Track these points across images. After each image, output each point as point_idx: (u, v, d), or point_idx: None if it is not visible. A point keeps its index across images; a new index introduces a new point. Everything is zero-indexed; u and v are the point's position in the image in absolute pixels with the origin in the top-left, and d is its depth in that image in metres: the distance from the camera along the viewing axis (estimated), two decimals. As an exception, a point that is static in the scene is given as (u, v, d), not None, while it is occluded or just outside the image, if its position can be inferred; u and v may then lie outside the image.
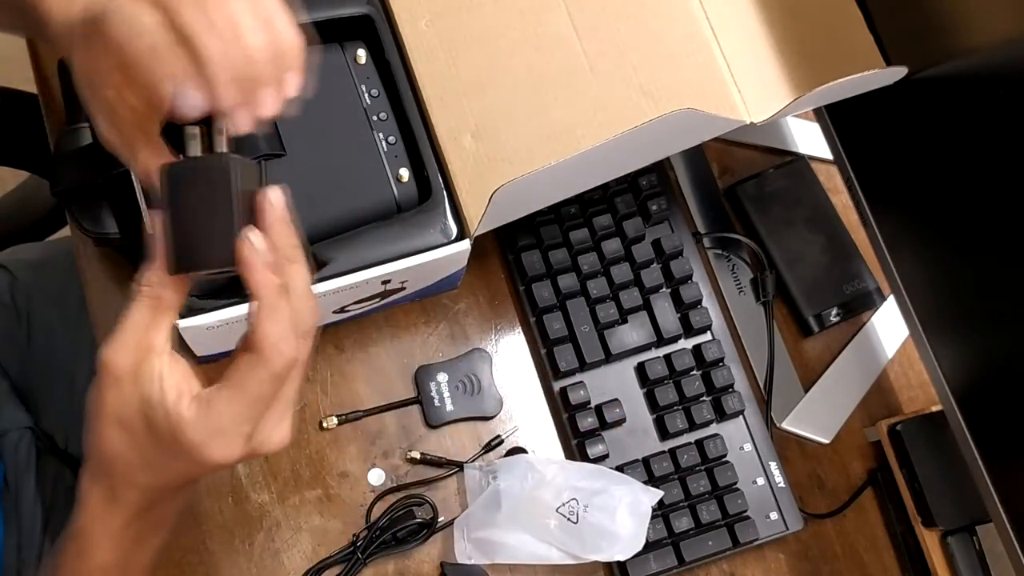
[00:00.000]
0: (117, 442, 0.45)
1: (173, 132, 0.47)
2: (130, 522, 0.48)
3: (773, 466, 0.75)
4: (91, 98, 0.46)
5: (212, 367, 0.47)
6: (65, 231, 1.06)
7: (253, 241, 0.44)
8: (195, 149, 0.45)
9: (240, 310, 0.60)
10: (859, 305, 0.82)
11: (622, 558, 0.69)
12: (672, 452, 0.74)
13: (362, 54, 0.69)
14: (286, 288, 0.44)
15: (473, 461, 0.74)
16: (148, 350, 0.44)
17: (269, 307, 0.44)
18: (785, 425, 0.79)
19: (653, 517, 0.71)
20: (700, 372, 0.76)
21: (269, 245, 0.44)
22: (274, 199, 0.45)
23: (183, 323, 0.60)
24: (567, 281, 0.76)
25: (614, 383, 0.76)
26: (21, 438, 0.86)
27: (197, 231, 0.44)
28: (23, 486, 0.84)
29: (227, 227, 0.43)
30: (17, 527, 0.83)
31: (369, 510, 0.72)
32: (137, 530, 0.49)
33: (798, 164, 0.85)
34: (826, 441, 0.79)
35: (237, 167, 0.44)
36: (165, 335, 0.45)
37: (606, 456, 0.73)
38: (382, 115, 0.68)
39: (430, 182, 0.65)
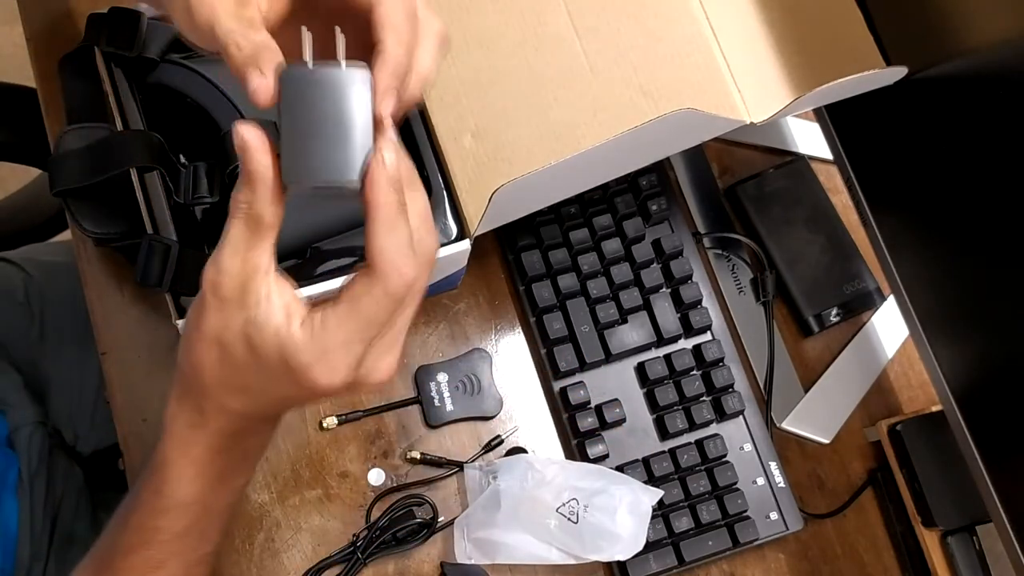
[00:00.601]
0: (215, 362, 0.43)
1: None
2: (216, 453, 0.46)
3: (773, 466, 0.75)
4: None
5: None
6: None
7: (386, 158, 0.40)
8: (308, 53, 0.41)
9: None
10: (859, 305, 0.82)
11: (622, 558, 0.69)
12: (672, 452, 0.74)
13: (362, 54, 0.68)
14: (406, 209, 0.41)
15: (473, 461, 0.74)
16: (254, 271, 0.41)
17: (389, 223, 0.41)
18: (785, 425, 0.79)
19: (653, 517, 0.71)
20: (700, 372, 0.76)
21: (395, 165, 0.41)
22: (390, 131, 0.42)
23: (182, 323, 0.60)
24: (567, 281, 0.76)
25: (614, 383, 0.76)
26: (34, 433, 0.86)
27: (320, 143, 0.40)
28: (37, 481, 0.85)
29: (355, 142, 0.40)
30: (30, 520, 0.84)
31: (369, 510, 0.72)
32: (222, 464, 0.47)
33: (798, 164, 0.85)
34: (826, 441, 0.79)
35: (369, 83, 0.41)
36: (269, 254, 0.42)
37: (606, 456, 0.73)
38: (382, 115, 0.68)
39: (430, 182, 0.65)
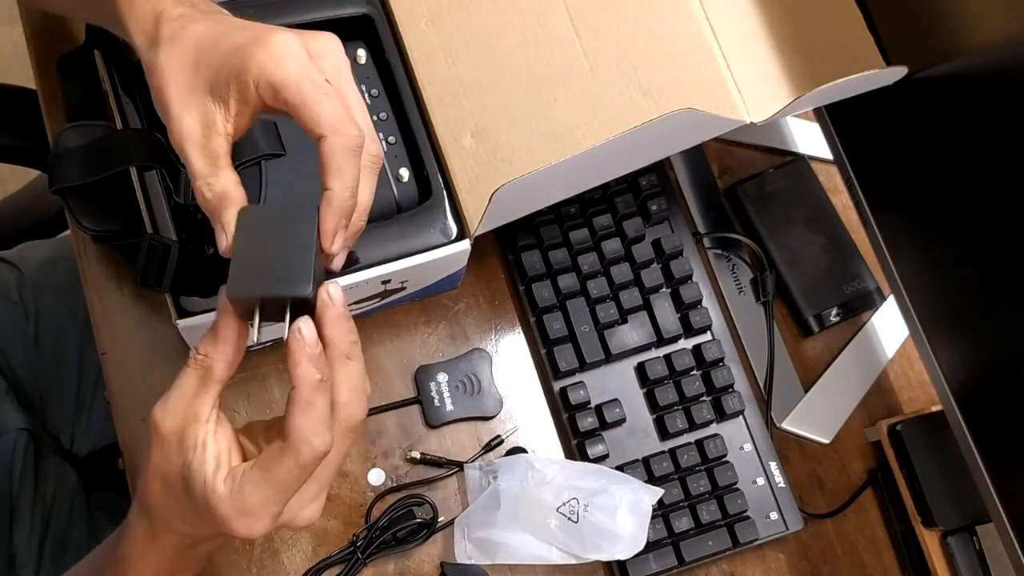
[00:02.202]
0: (159, 494, 0.48)
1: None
2: (167, 558, 0.51)
3: (773, 466, 0.75)
4: (185, 101, 0.48)
5: (259, 423, 0.49)
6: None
7: (303, 331, 0.45)
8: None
9: None
10: (859, 305, 0.82)
11: (623, 557, 0.69)
12: (672, 452, 0.74)
13: (362, 54, 0.69)
14: (327, 384, 0.45)
15: (473, 461, 0.74)
16: (194, 418, 0.46)
17: (304, 401, 0.44)
18: (785, 425, 0.79)
19: (653, 517, 0.71)
20: (700, 372, 0.76)
21: (319, 339, 0.45)
22: (334, 293, 0.46)
23: (183, 323, 0.60)
24: (567, 281, 0.76)
25: (614, 383, 0.76)
26: (17, 440, 0.85)
27: (267, 262, 0.45)
28: (23, 487, 0.84)
29: (302, 262, 0.45)
30: (10, 531, 0.83)
31: (369, 510, 0.72)
32: (173, 566, 0.52)
33: (798, 164, 0.85)
34: (826, 441, 0.79)
35: (315, 219, 0.46)
36: (211, 405, 0.47)
37: (606, 456, 0.73)
38: (382, 115, 0.68)
39: (430, 182, 0.65)
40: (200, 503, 0.46)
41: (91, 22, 0.64)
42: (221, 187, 0.47)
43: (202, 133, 0.48)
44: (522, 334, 0.78)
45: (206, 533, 0.49)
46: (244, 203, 0.47)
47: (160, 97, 0.48)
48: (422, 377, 0.75)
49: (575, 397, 0.74)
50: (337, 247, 0.47)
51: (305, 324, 0.45)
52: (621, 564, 0.71)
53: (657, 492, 0.71)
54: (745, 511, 0.73)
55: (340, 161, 0.46)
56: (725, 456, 0.75)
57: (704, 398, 0.76)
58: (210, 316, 0.60)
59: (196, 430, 0.46)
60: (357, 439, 0.50)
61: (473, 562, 0.70)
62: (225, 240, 0.47)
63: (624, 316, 0.77)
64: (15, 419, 0.86)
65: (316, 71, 0.47)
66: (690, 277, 0.78)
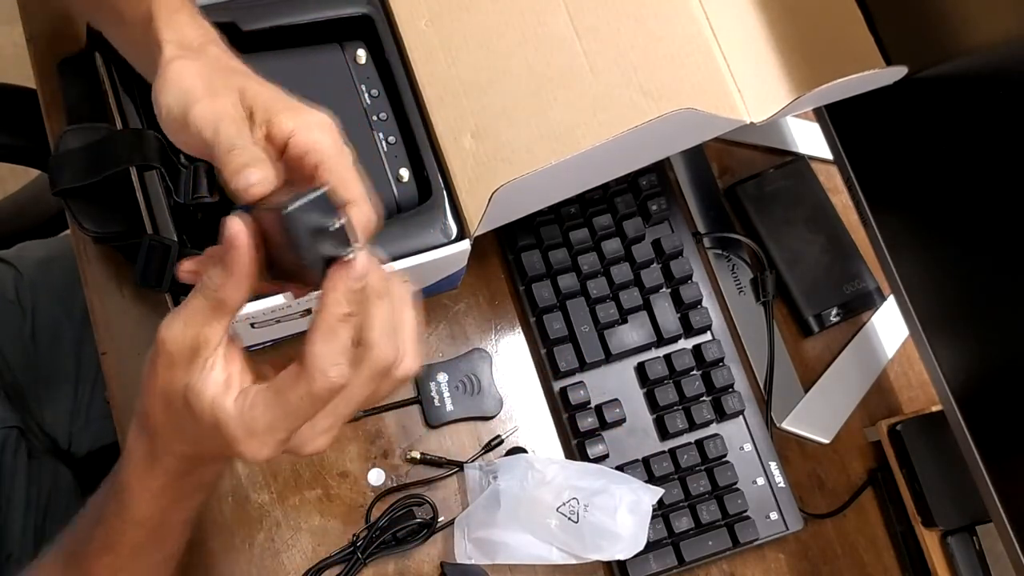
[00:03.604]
0: (161, 411, 0.47)
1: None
2: (168, 484, 0.50)
3: (773, 466, 0.75)
4: (216, 88, 0.48)
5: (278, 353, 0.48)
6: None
7: (357, 259, 0.44)
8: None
9: (258, 306, 0.60)
10: (859, 305, 0.82)
11: (623, 557, 0.69)
12: (672, 452, 0.74)
13: (362, 54, 0.69)
14: (354, 319, 0.44)
15: (473, 461, 0.74)
16: (205, 343, 0.45)
17: (327, 328, 0.44)
18: (785, 425, 0.79)
19: (653, 517, 0.71)
20: (700, 372, 0.76)
21: (360, 274, 0.44)
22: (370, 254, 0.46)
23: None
24: (567, 281, 0.76)
25: (614, 383, 0.76)
26: (7, 437, 0.85)
27: (295, 249, 0.44)
28: (15, 485, 0.84)
29: (329, 249, 0.44)
30: (3, 530, 0.83)
31: (369, 510, 0.72)
32: (175, 491, 0.51)
33: (798, 164, 0.85)
34: (826, 441, 0.79)
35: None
36: (221, 332, 0.45)
37: (606, 456, 0.73)
38: (382, 115, 0.68)
39: (430, 182, 0.65)
40: (207, 422, 0.45)
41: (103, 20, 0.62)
42: (259, 152, 0.47)
43: (238, 115, 0.48)
44: (522, 334, 0.78)
45: (208, 453, 0.48)
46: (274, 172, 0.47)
47: (184, 81, 0.48)
48: (422, 377, 0.75)
49: (575, 397, 0.74)
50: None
51: (361, 254, 0.44)
52: (621, 564, 0.71)
53: (657, 492, 0.71)
54: (745, 511, 0.73)
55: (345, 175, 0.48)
56: (725, 456, 0.75)
57: (704, 398, 0.76)
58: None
59: (203, 355, 0.45)
60: (390, 389, 0.47)
61: (473, 562, 0.70)
62: (265, 185, 0.45)
63: (624, 316, 0.77)
64: (6, 416, 0.86)
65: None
66: (690, 277, 0.78)
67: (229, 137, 0.46)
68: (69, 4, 0.70)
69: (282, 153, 0.48)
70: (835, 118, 0.76)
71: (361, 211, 0.48)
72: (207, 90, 0.48)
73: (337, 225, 0.43)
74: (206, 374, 0.45)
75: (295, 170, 0.48)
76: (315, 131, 0.47)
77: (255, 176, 0.45)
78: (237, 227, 0.44)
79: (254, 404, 0.44)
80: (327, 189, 0.44)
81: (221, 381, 0.45)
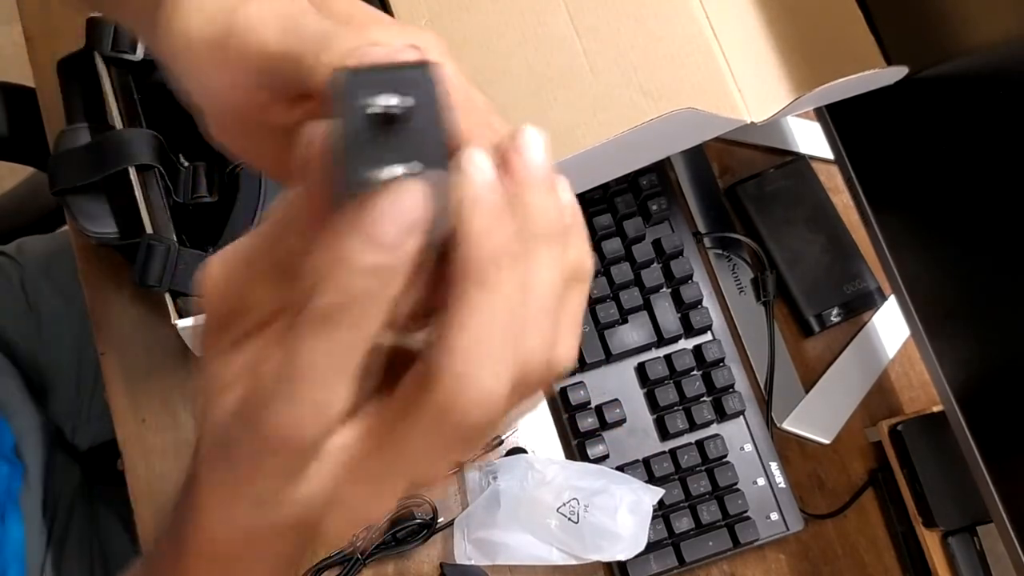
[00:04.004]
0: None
1: None
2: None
3: (774, 466, 0.75)
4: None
5: None
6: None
7: (476, 164, 0.26)
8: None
9: None
10: (860, 305, 0.82)
11: (624, 558, 0.69)
12: (672, 452, 0.74)
13: (362, 54, 0.68)
14: (524, 278, 0.26)
15: (473, 461, 0.73)
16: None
17: (473, 306, 0.25)
18: (786, 425, 0.79)
19: (653, 518, 0.71)
20: (700, 372, 0.76)
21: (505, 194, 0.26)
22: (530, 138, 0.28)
23: (182, 324, 0.60)
24: (567, 281, 0.76)
25: (614, 383, 0.76)
26: (39, 436, 0.86)
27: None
28: (38, 486, 0.84)
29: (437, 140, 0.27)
30: (32, 527, 0.83)
31: (369, 510, 0.72)
32: None
33: (798, 164, 0.85)
34: (827, 441, 0.79)
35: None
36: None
37: (606, 456, 0.73)
38: (382, 115, 0.68)
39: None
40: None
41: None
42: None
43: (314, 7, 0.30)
44: (522, 334, 0.78)
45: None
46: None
47: None
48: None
49: (575, 397, 0.74)
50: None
51: (479, 154, 0.26)
52: (621, 565, 0.71)
53: (658, 492, 0.71)
54: (745, 511, 0.73)
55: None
56: (725, 456, 0.75)
57: (704, 398, 0.76)
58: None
59: (242, 322, 0.27)
60: (532, 402, 0.28)
61: (473, 563, 0.70)
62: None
63: (624, 316, 0.76)
64: (35, 418, 0.86)
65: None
66: (690, 277, 0.78)
67: (314, 29, 0.29)
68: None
69: None
70: (836, 118, 0.76)
71: (535, 137, 0.29)
72: None
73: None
74: (233, 351, 0.27)
75: None
76: (432, 55, 0.28)
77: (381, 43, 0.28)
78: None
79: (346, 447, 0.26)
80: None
81: (245, 363, 0.27)
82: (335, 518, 0.27)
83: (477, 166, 0.26)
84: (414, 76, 0.27)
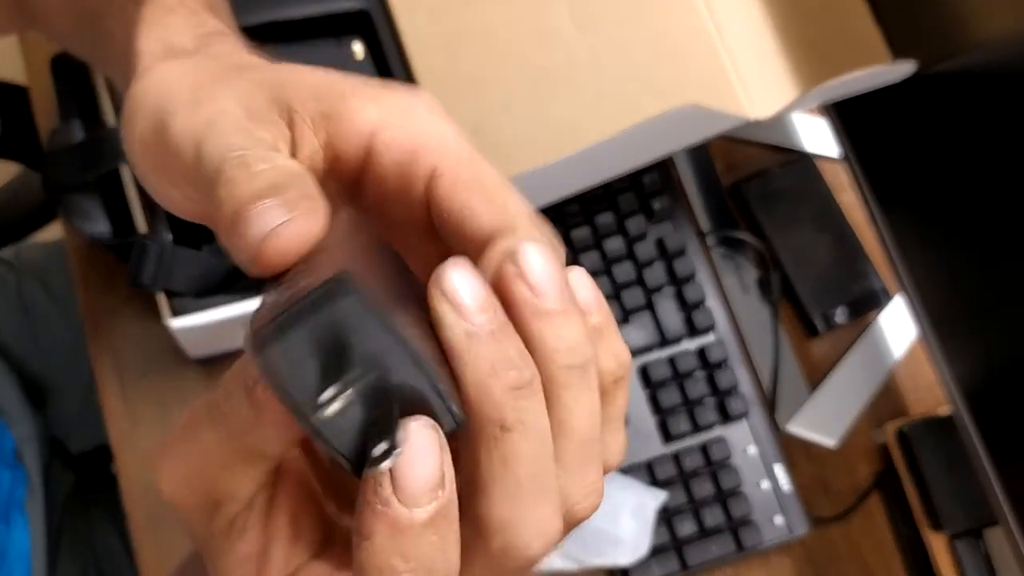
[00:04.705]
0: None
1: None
2: None
3: (778, 469, 0.74)
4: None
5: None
6: (58, 227, 1.06)
7: (459, 293, 0.23)
8: None
9: (237, 309, 0.59)
10: (866, 305, 0.82)
11: (626, 563, 0.68)
12: (675, 455, 0.73)
13: (359, 49, 0.68)
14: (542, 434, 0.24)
15: None
16: (228, 496, 0.27)
17: (498, 479, 0.23)
18: (790, 427, 0.78)
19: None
20: (704, 373, 0.76)
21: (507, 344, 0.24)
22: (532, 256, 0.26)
23: (176, 324, 0.59)
24: (568, 281, 0.75)
25: (616, 384, 0.75)
26: (38, 442, 0.86)
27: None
28: (40, 491, 0.84)
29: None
30: (36, 531, 0.83)
31: (367, 514, 0.71)
32: None
33: (803, 162, 0.84)
34: (832, 444, 0.78)
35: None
36: (254, 480, 0.27)
37: (608, 459, 0.72)
38: (380, 112, 0.67)
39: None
40: None
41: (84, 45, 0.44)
42: (287, 163, 0.26)
43: (245, 116, 0.27)
44: (523, 335, 0.77)
45: None
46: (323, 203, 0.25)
47: (161, 90, 0.29)
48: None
49: (577, 399, 0.73)
50: None
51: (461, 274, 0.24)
52: (624, 570, 0.70)
53: (661, 496, 0.70)
54: (749, 515, 0.73)
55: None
56: (729, 459, 0.74)
57: (708, 400, 0.75)
58: (203, 316, 0.59)
59: (232, 507, 0.26)
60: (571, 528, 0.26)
61: (473, 567, 0.69)
62: (307, 235, 0.24)
63: (627, 316, 0.76)
64: (34, 423, 0.86)
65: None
66: (693, 276, 0.77)
67: (223, 147, 0.26)
68: (49, 32, 0.48)
69: (356, 176, 0.28)
70: (843, 114, 0.75)
71: (536, 254, 0.26)
72: (193, 97, 0.28)
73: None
74: (231, 544, 0.26)
75: (387, 197, 0.27)
76: (421, 117, 0.27)
77: (275, 214, 0.24)
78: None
79: None
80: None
81: (252, 554, 0.26)
82: None
83: (460, 305, 0.23)
84: (333, 311, 0.22)
